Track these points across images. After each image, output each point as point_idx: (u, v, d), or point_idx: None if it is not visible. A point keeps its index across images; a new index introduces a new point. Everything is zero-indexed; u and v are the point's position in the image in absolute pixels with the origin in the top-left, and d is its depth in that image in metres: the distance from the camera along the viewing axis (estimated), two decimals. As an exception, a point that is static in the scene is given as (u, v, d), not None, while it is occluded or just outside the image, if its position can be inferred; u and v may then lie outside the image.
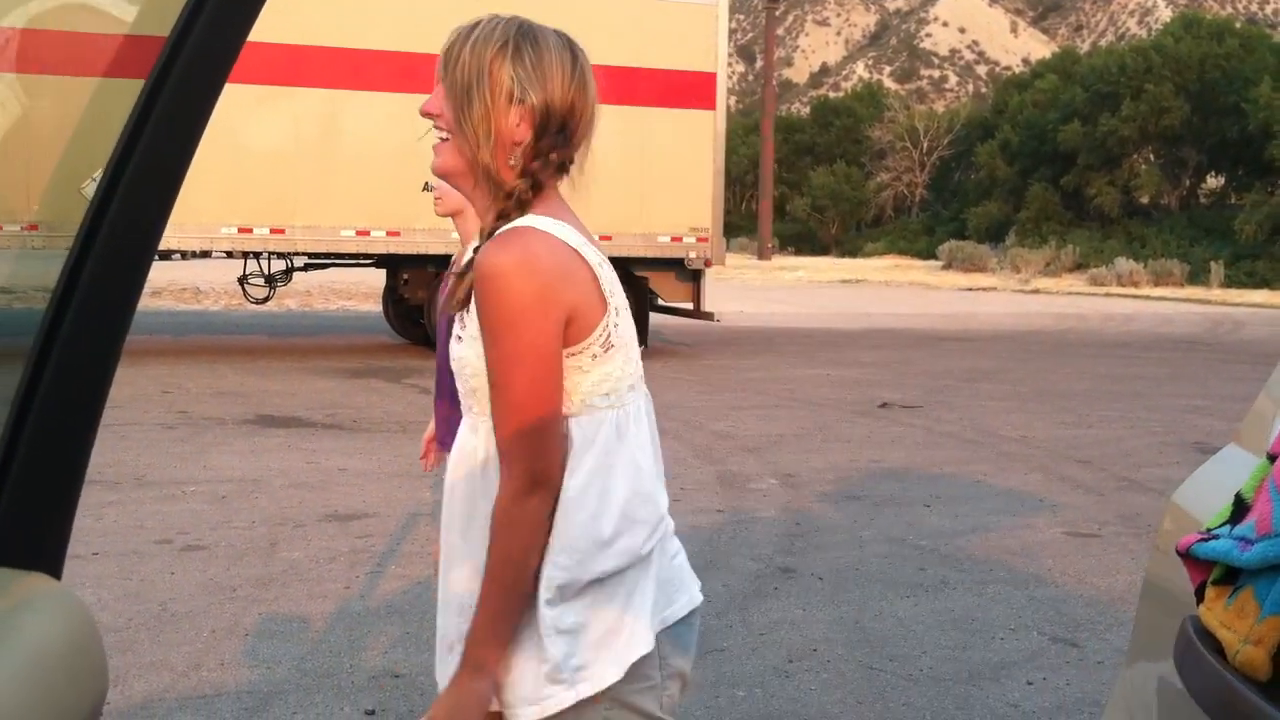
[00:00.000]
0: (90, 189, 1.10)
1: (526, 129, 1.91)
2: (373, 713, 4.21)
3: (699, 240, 15.67)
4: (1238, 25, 53.95)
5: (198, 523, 6.76)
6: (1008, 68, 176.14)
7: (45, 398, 1.05)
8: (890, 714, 4.34)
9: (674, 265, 15.90)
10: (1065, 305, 28.98)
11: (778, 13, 63.15)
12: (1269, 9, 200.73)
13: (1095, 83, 49.76)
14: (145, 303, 21.44)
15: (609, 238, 15.21)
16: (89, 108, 1.25)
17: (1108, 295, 34.10)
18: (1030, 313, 26.32)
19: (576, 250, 1.91)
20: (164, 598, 5.41)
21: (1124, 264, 37.99)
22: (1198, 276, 37.42)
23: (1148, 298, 33.07)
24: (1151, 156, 49.91)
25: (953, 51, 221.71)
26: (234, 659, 4.69)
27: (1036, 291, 35.70)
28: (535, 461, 1.87)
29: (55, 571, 1.08)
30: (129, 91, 1.10)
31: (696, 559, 6.22)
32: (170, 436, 9.39)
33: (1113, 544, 6.83)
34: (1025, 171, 53.14)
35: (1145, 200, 50.00)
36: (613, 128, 12.71)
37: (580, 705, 1.91)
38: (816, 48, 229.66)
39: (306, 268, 16.64)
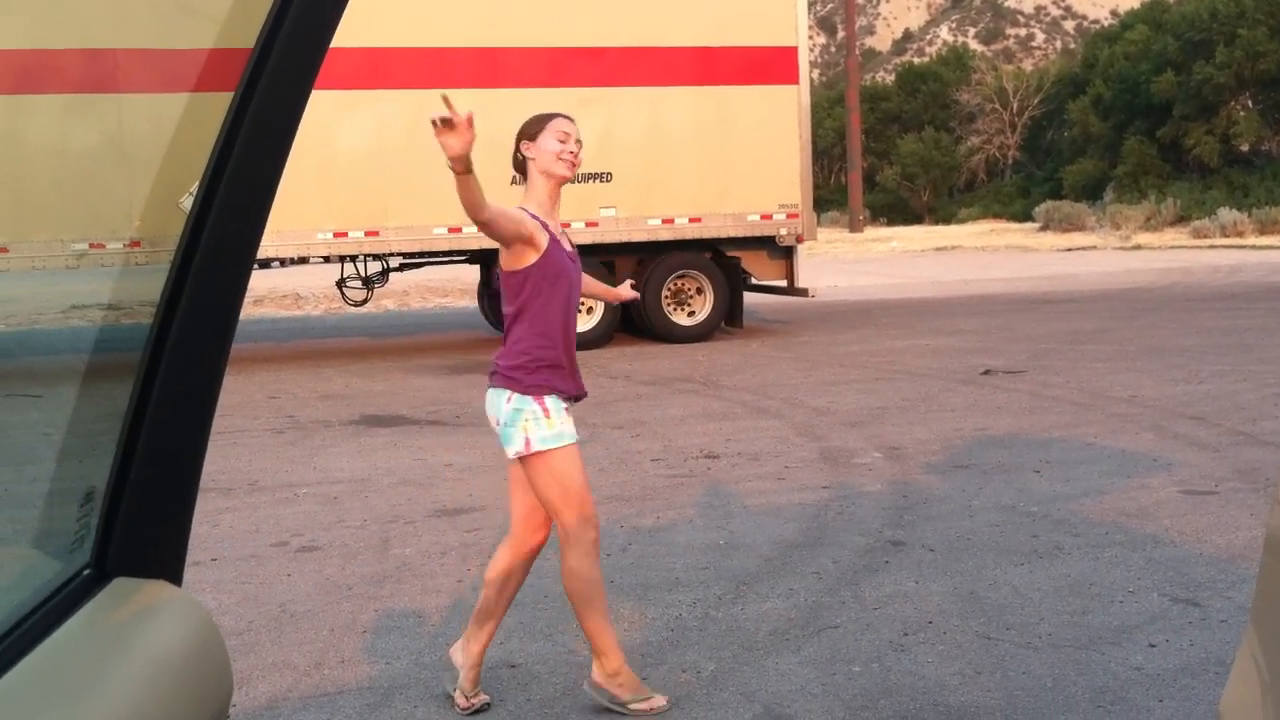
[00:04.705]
0: (188, 202, 1.11)
1: None
2: (489, 705, 4.25)
3: (789, 217, 15.56)
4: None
5: (311, 524, 6.88)
6: (1096, 21, 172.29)
7: (156, 409, 1.07)
8: (1010, 683, 4.28)
9: (765, 243, 15.82)
10: (1169, 260, 28.31)
11: (856, -18, 62.48)
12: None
13: (1187, 31, 48.52)
14: (248, 311, 21.79)
15: (698, 219, 15.15)
16: (181, 122, 1.27)
17: (1212, 247, 33.25)
18: (1133, 269, 25.77)
19: None
20: (283, 599, 5.52)
21: (1227, 214, 37.03)
22: (1304, 222, 36.40)
23: (1254, 247, 32.18)
24: (1249, 102, 48.54)
25: (1038, 8, 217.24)
26: (354, 656, 4.77)
27: (1138, 248, 34.92)
28: None
29: (176, 578, 1.10)
30: (219, 105, 1.12)
31: (804, 536, 6.21)
32: (280, 441, 9.57)
33: (1231, 500, 6.68)
34: (1120, 126, 51.99)
35: (1245, 148, 48.67)
36: (696, 109, 12.84)
37: None
38: (898, 14, 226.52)
39: (402, 268, 16.83)
